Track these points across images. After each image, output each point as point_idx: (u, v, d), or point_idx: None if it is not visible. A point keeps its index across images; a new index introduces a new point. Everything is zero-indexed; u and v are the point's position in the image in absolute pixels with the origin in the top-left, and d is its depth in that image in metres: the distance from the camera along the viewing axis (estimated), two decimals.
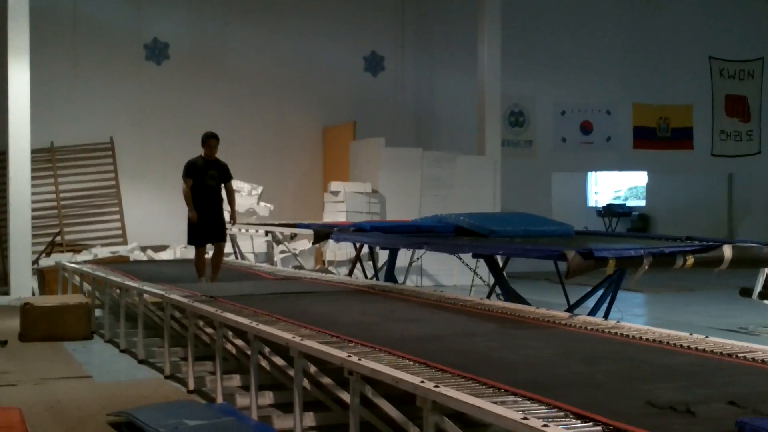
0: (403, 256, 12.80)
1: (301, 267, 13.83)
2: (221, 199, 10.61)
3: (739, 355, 4.74)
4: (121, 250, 15.49)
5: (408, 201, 16.50)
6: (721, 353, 4.82)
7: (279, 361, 6.14)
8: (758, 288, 10.13)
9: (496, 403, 3.60)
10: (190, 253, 13.85)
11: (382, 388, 4.61)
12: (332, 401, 5.73)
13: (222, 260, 10.84)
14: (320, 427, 5.83)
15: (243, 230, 14.66)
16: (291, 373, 5.56)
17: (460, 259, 12.20)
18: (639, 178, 25.99)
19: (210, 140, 10.49)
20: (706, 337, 5.27)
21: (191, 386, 7.27)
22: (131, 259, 14.78)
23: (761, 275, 9.88)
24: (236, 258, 14.64)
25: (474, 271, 12.85)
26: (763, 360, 4.59)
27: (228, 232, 11.87)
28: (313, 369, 5.46)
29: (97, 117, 16.95)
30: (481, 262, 10.74)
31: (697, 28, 20.81)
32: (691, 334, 5.36)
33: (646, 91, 20.50)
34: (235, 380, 7.12)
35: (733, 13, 21.11)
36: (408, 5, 19.44)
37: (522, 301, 8.65)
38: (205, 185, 10.41)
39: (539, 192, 19.57)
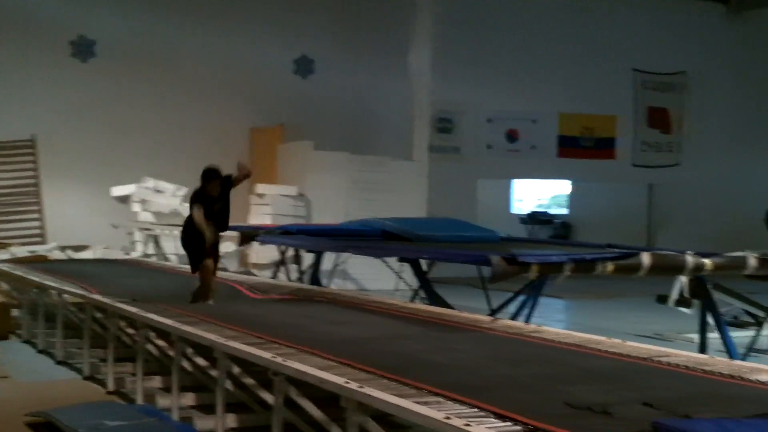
0: (328, 260, 12.78)
1: (224, 269, 13.71)
2: None
3: (654, 359, 4.86)
4: (40, 249, 15.17)
5: (335, 205, 16.46)
6: (638, 357, 4.94)
7: (201, 362, 6.09)
8: (674, 295, 10.32)
9: (420, 403, 3.64)
10: (112, 254, 13.67)
11: (306, 390, 4.61)
12: (255, 402, 5.71)
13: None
14: (242, 428, 5.81)
15: (166, 231, 14.50)
16: (214, 374, 5.52)
17: (385, 263, 12.23)
18: (562, 187, 26.37)
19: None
20: (624, 341, 5.39)
21: (111, 387, 7.18)
22: (50, 258, 14.48)
23: (677, 283, 10.07)
24: (158, 259, 14.48)
25: (399, 276, 12.86)
26: (677, 364, 4.72)
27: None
28: (236, 370, 5.43)
29: (18, 114, 16.56)
30: (406, 266, 10.79)
31: (621, 41, 21.19)
32: (609, 339, 5.47)
33: (572, 100, 20.76)
34: (156, 381, 7.03)
35: (657, 27, 21.54)
36: (340, 9, 19.41)
37: (446, 305, 8.72)
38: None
39: (465, 198, 19.66)
